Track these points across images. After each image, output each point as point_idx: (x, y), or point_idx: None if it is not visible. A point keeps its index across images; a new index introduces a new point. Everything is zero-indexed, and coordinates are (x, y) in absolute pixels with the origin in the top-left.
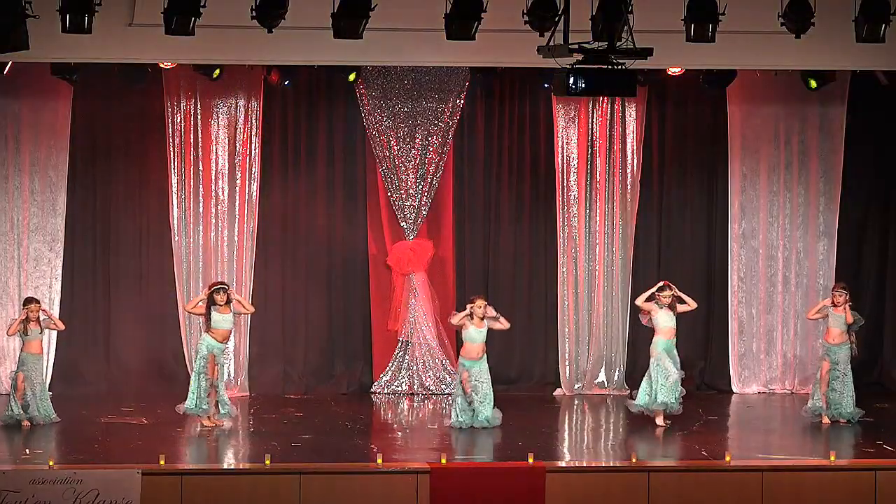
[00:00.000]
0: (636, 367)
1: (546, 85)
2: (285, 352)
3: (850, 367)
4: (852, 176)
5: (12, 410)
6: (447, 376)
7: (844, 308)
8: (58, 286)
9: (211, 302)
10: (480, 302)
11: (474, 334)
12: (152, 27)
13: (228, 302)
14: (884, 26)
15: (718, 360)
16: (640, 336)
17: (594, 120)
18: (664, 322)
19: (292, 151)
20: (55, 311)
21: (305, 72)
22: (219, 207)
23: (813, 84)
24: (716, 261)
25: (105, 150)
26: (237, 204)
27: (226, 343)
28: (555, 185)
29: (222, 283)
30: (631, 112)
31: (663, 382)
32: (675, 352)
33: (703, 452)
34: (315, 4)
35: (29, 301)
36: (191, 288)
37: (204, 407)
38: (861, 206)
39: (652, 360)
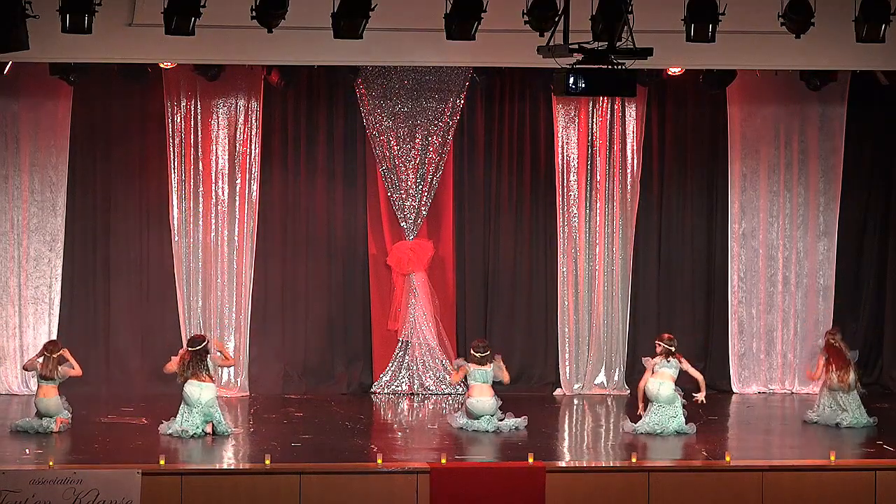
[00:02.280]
0: (636, 368)
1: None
2: (285, 352)
3: None
4: (852, 176)
5: (33, 427)
6: (447, 376)
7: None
8: (58, 286)
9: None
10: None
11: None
12: (152, 27)
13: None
14: (884, 26)
15: (718, 360)
16: (641, 336)
17: (594, 120)
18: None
19: (292, 151)
20: (55, 311)
21: (305, 72)
22: (219, 207)
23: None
24: (716, 261)
25: (105, 150)
26: (237, 204)
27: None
28: (555, 185)
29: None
30: (631, 112)
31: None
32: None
33: (703, 452)
34: (315, 4)
35: (52, 345)
36: (191, 288)
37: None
38: (861, 206)
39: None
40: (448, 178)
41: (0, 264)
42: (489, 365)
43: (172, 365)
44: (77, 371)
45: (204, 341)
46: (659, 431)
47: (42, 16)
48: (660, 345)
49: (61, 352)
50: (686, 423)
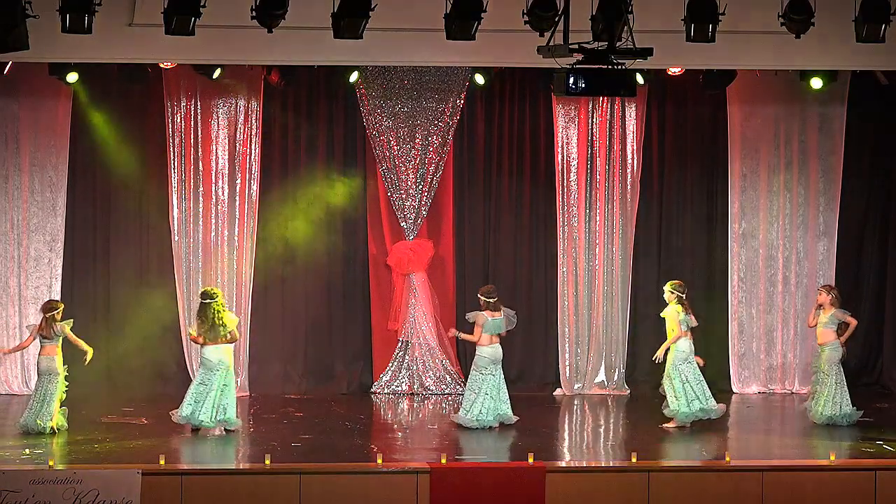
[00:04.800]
0: (636, 367)
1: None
2: (285, 352)
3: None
4: (852, 176)
5: (39, 426)
6: (447, 376)
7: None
8: (58, 286)
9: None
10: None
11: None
12: (152, 27)
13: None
14: (884, 26)
15: (718, 360)
16: (640, 336)
17: (594, 120)
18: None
19: (292, 151)
20: None
21: (305, 72)
22: (219, 207)
23: (815, 84)
24: (716, 261)
25: (105, 150)
26: (237, 204)
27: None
28: (555, 185)
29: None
30: (631, 112)
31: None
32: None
33: (703, 452)
34: (315, 4)
35: (47, 304)
36: (191, 288)
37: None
38: (861, 206)
39: (693, 367)
40: (448, 178)
41: (0, 264)
42: (500, 313)
43: (192, 328)
44: (74, 338)
45: (212, 297)
46: (698, 410)
47: (42, 16)
48: (673, 293)
49: (55, 312)
50: (717, 404)
